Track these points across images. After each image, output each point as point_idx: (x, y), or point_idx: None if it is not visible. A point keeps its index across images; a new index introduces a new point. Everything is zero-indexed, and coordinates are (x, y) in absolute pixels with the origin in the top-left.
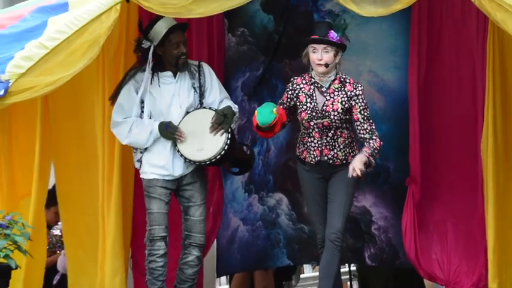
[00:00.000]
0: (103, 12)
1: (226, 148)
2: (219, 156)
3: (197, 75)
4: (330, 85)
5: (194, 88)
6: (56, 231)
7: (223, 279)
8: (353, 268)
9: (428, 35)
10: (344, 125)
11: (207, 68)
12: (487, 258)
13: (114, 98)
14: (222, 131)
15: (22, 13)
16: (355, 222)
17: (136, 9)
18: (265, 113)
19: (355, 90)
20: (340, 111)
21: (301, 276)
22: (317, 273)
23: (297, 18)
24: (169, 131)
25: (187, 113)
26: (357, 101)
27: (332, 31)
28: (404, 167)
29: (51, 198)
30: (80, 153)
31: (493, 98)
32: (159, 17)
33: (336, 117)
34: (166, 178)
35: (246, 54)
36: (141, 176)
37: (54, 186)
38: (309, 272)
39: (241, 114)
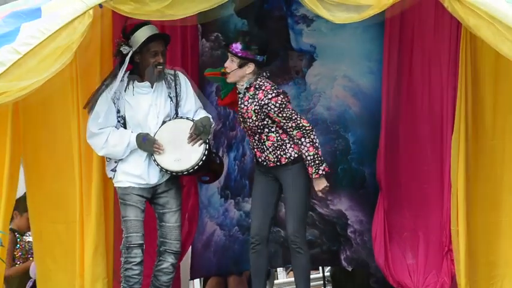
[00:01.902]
0: (76, 18)
1: (204, 159)
2: (196, 167)
3: (173, 84)
4: (244, 93)
5: (170, 97)
6: (29, 238)
7: (197, 286)
8: (327, 274)
9: (400, 42)
10: (268, 129)
11: (183, 77)
12: (449, 266)
13: (90, 107)
14: (201, 141)
15: None
16: (331, 225)
17: (110, 15)
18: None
19: (265, 99)
20: (255, 118)
21: (275, 281)
22: (291, 279)
23: (271, 23)
24: (147, 144)
25: (163, 122)
26: (269, 108)
27: (237, 44)
28: None
29: (24, 205)
30: (52, 160)
31: (465, 105)
32: (143, 24)
33: (252, 124)
34: (142, 186)
35: (220, 59)
36: (115, 185)
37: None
38: (283, 277)
39: (216, 119)
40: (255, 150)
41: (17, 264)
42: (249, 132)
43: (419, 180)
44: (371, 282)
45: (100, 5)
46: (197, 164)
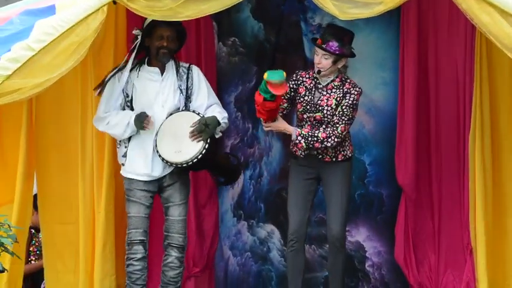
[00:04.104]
0: (90, 14)
1: (199, 157)
2: (190, 163)
3: (185, 77)
4: (328, 84)
5: (180, 90)
6: None
7: None
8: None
9: (418, 44)
10: None
11: (196, 71)
12: (473, 263)
13: (100, 89)
14: (200, 139)
15: (9, 15)
16: (349, 258)
17: (124, 11)
18: (275, 73)
19: (351, 89)
20: (334, 107)
21: None
22: None
23: (288, 29)
24: (139, 120)
25: (171, 113)
26: (347, 97)
27: (333, 42)
28: (399, 192)
29: None
30: (63, 159)
31: (481, 103)
32: None
33: (328, 112)
34: (145, 179)
35: (238, 66)
36: (121, 172)
37: None
38: None
39: (234, 133)
40: (313, 142)
41: (31, 261)
42: (316, 122)
43: (440, 181)
44: (366, 266)
45: (114, 2)
46: (191, 160)
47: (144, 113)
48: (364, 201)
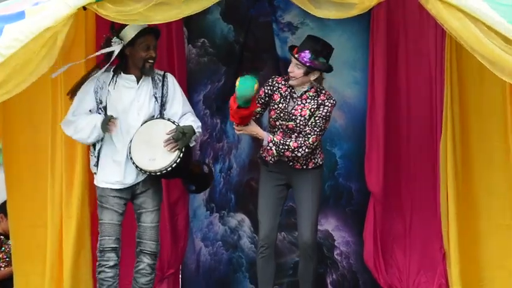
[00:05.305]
0: (59, 20)
1: (173, 166)
2: (164, 171)
3: (160, 85)
4: (302, 94)
5: (156, 98)
6: None
7: None
8: None
9: (387, 46)
10: None
11: (171, 79)
12: (445, 267)
13: (72, 93)
14: (175, 147)
15: None
16: (318, 246)
17: (93, 16)
18: (246, 80)
19: (326, 101)
20: (307, 117)
21: None
22: None
23: (257, 29)
24: (104, 122)
25: (146, 121)
26: (321, 108)
27: (307, 51)
28: (367, 188)
29: None
30: (32, 162)
31: (451, 106)
32: None
33: (301, 122)
34: (118, 187)
35: (207, 66)
36: (94, 183)
37: None
38: None
39: (203, 130)
40: (284, 150)
41: (0, 267)
42: (288, 130)
43: (412, 183)
44: (335, 255)
45: (84, 8)
46: (165, 169)
47: (111, 116)
48: (334, 192)
